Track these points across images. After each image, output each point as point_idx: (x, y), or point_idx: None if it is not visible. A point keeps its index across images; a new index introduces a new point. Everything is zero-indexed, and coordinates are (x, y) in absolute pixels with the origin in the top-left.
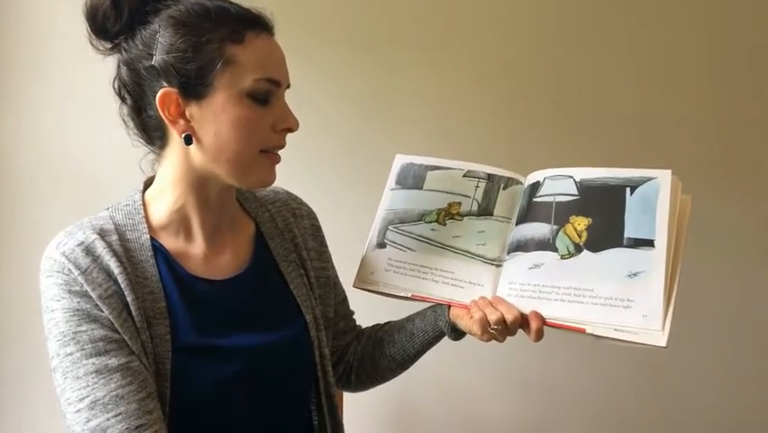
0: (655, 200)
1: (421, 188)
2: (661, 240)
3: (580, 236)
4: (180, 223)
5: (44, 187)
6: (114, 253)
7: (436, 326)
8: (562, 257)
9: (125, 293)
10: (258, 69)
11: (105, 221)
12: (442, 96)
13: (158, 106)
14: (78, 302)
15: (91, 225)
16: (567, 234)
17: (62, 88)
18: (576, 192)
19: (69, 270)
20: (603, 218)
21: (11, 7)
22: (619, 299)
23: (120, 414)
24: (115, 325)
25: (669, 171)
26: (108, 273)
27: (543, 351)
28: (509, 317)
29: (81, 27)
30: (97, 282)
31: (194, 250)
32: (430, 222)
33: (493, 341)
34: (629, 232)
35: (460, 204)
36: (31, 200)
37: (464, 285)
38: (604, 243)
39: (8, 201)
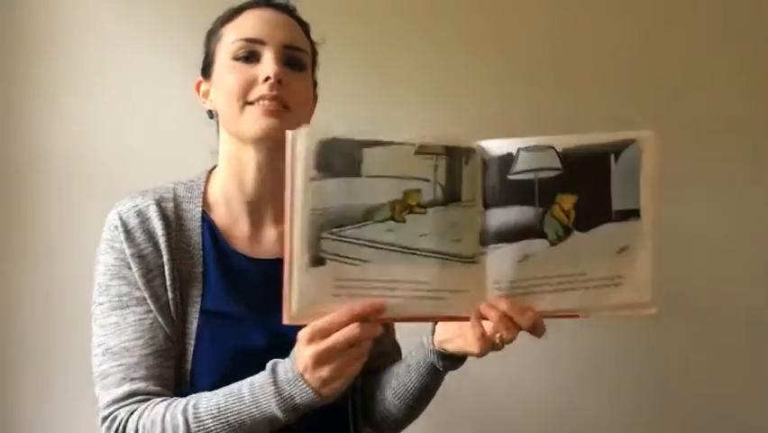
0: (638, 166)
1: (359, 175)
2: (645, 209)
3: (568, 217)
4: (227, 200)
5: (74, 183)
6: (164, 218)
7: (427, 356)
8: (552, 243)
9: (162, 254)
10: (236, 33)
11: (167, 191)
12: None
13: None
14: (115, 258)
15: (153, 192)
16: (555, 217)
17: (94, 85)
18: (560, 165)
19: (116, 227)
20: (590, 193)
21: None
22: (610, 277)
23: (122, 364)
24: (140, 283)
25: (650, 133)
26: (150, 235)
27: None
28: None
29: (113, 24)
30: (135, 242)
31: (240, 228)
32: (383, 220)
33: None
34: (616, 204)
35: (419, 191)
36: (60, 197)
37: (445, 295)
38: (593, 220)
39: (42, 199)
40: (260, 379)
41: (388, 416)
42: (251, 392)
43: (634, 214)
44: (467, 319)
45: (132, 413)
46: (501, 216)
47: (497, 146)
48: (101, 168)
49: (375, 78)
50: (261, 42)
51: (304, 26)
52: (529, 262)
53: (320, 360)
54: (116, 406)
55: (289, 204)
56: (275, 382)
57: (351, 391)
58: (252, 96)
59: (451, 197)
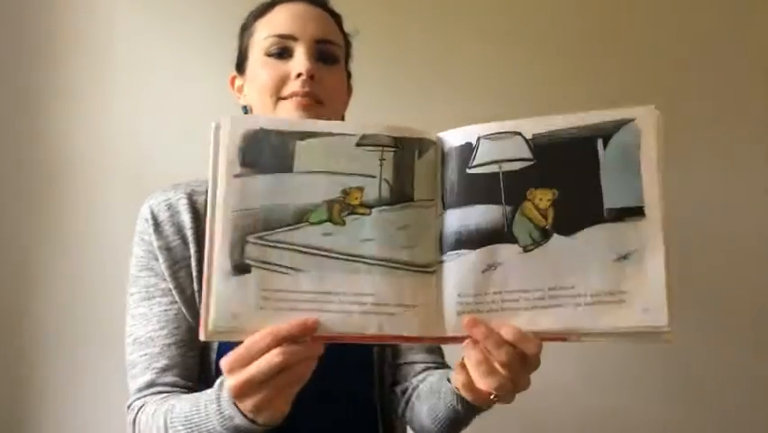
0: (637, 151)
1: (292, 170)
2: (651, 205)
3: (545, 216)
4: None
5: (105, 181)
6: (194, 211)
7: (448, 394)
8: (526, 249)
9: (189, 246)
10: (268, 29)
11: (200, 184)
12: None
13: None
14: (144, 250)
15: (185, 186)
16: (527, 216)
17: (124, 83)
18: (529, 155)
19: (147, 219)
20: (573, 187)
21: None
22: (609, 292)
23: (146, 354)
24: (166, 274)
25: (650, 109)
26: (179, 228)
27: None
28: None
29: (141, 21)
30: (164, 235)
31: None
32: (319, 222)
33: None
34: (610, 200)
35: (361, 189)
36: (92, 194)
37: (394, 311)
38: (578, 220)
39: (73, 197)
40: (209, 393)
41: (427, 430)
42: (205, 406)
43: (635, 212)
44: (420, 340)
45: (145, 405)
46: (463, 218)
47: (455, 136)
48: (132, 166)
49: (407, 70)
50: (293, 38)
51: (336, 18)
52: (498, 273)
53: (241, 392)
54: (138, 396)
55: (211, 203)
56: (218, 400)
57: (379, 388)
58: (285, 91)
59: (400, 195)
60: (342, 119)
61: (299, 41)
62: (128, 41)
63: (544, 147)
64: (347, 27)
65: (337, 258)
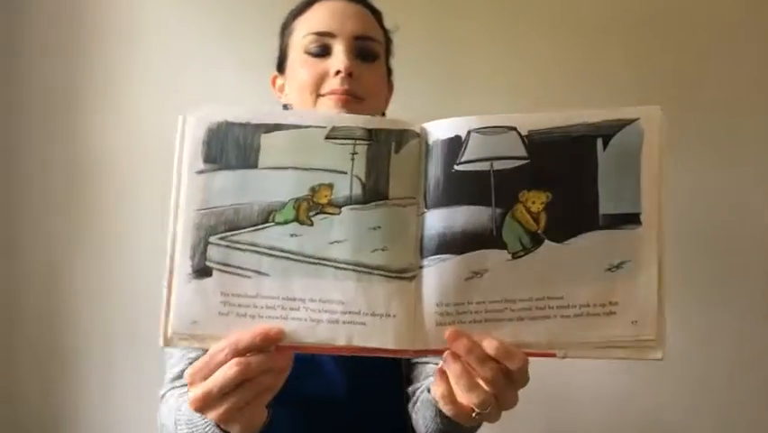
0: (638, 154)
1: (256, 166)
2: (649, 212)
3: (537, 221)
4: None
5: (142, 182)
6: None
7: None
8: (515, 255)
9: None
10: (307, 27)
11: None
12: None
13: None
14: None
15: None
16: (518, 220)
17: (163, 85)
18: (524, 153)
19: None
20: (568, 190)
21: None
22: (599, 304)
23: None
24: None
25: (655, 109)
26: None
27: None
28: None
29: (179, 19)
30: None
31: None
32: (285, 222)
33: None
34: (606, 206)
35: (331, 186)
36: (127, 195)
37: (366, 320)
38: (572, 226)
39: (110, 196)
40: None
41: None
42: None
43: (631, 219)
44: (396, 353)
45: (169, 397)
46: (447, 219)
47: (442, 128)
48: (162, 166)
49: (450, 67)
50: (331, 35)
51: (376, 15)
52: (483, 281)
53: (202, 405)
54: (168, 386)
55: (174, 201)
56: None
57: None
58: (324, 89)
59: (373, 193)
60: (383, 116)
61: (338, 38)
62: (161, 40)
63: (539, 145)
64: (387, 24)
65: (304, 261)
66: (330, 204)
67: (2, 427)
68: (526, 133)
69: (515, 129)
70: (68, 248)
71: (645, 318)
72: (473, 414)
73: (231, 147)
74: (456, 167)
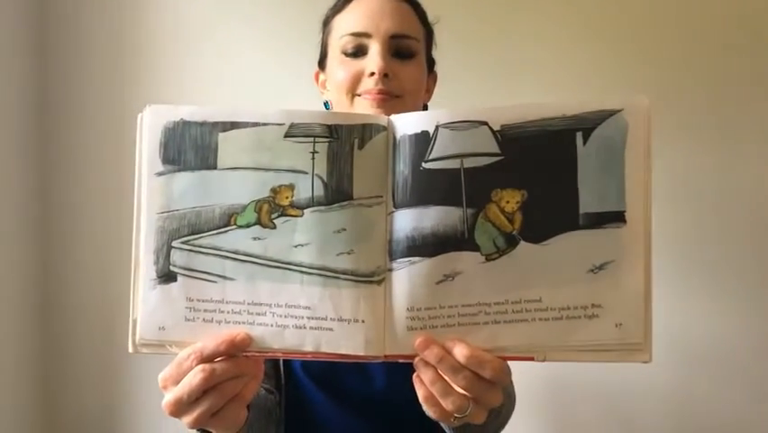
0: (622, 148)
1: (216, 167)
2: (635, 210)
3: (511, 221)
4: None
5: None
6: None
7: None
8: (489, 257)
9: None
10: (344, 27)
11: None
12: None
13: None
14: None
15: None
16: (491, 221)
17: (206, 81)
18: (497, 149)
19: None
20: (545, 187)
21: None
22: (581, 306)
23: None
24: None
25: (641, 99)
26: None
27: None
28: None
29: (221, 18)
30: None
31: None
32: (247, 225)
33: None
34: (586, 204)
35: (292, 187)
36: None
37: (332, 326)
38: (550, 226)
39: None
40: None
41: None
42: None
43: (615, 218)
44: (366, 359)
45: None
46: (414, 220)
47: (409, 121)
48: None
49: (494, 60)
50: (367, 35)
51: (416, 8)
52: (455, 284)
53: (174, 410)
54: None
55: (136, 205)
56: None
57: None
58: (360, 89)
59: (336, 193)
60: (425, 109)
61: (373, 38)
62: (211, 32)
63: (513, 140)
64: (429, 15)
65: (268, 266)
66: (292, 206)
67: (56, 421)
68: (498, 128)
69: (486, 124)
70: (126, 243)
71: (631, 321)
72: (452, 418)
73: (189, 147)
74: (424, 164)
